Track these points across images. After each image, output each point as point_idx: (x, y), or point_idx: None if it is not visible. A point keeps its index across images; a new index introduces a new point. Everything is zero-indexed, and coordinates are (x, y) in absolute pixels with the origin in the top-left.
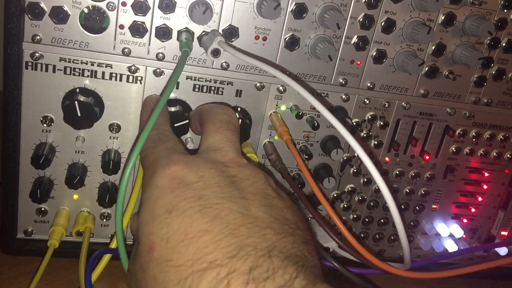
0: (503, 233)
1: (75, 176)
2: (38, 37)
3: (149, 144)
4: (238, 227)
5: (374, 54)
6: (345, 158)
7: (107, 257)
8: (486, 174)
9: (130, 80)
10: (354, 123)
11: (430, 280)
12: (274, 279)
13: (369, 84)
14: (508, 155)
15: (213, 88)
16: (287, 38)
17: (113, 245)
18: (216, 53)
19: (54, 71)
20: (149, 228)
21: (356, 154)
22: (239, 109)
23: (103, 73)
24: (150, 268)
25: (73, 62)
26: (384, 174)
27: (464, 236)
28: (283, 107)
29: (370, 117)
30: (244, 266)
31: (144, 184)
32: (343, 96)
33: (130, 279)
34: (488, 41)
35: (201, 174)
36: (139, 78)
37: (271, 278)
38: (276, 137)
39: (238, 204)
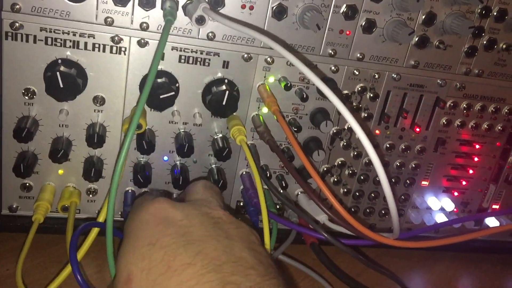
0: (494, 206)
1: (59, 150)
2: (18, 6)
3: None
4: (221, 264)
5: (363, 23)
6: (334, 131)
7: (95, 231)
8: (477, 147)
9: (114, 51)
10: (344, 95)
11: (418, 249)
12: None
13: (358, 55)
14: (499, 127)
15: (199, 59)
16: (275, 7)
17: (100, 219)
18: (201, 20)
19: (35, 41)
20: (128, 259)
21: (346, 127)
22: (226, 80)
23: (86, 43)
24: None
25: (54, 32)
26: (374, 147)
27: (455, 209)
28: (271, 79)
29: (359, 88)
30: None
31: (128, 220)
32: (332, 67)
33: None
34: (479, 10)
35: (186, 213)
36: (123, 49)
37: None
38: (263, 109)
39: (222, 243)
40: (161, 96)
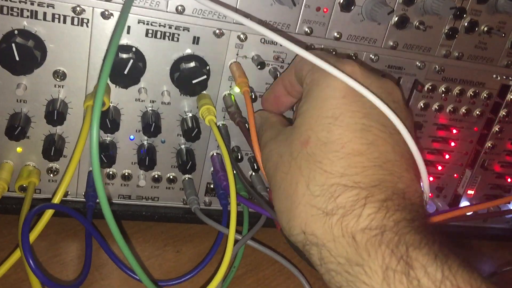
0: (469, 191)
1: (16, 127)
2: None
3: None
4: (386, 162)
5: (341, 1)
6: None
7: (49, 213)
8: (455, 131)
9: (75, 22)
10: None
11: None
12: (402, 212)
13: (335, 34)
14: (478, 112)
15: (167, 34)
16: None
17: (55, 200)
18: None
19: None
20: (310, 124)
21: None
22: (195, 57)
23: (45, 13)
24: (299, 158)
25: (10, 0)
26: None
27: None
28: (244, 57)
29: None
30: (381, 196)
31: (314, 77)
32: None
33: (271, 153)
34: None
35: (373, 89)
36: (85, 21)
37: (399, 211)
38: (235, 89)
39: (393, 137)
40: (193, 81)
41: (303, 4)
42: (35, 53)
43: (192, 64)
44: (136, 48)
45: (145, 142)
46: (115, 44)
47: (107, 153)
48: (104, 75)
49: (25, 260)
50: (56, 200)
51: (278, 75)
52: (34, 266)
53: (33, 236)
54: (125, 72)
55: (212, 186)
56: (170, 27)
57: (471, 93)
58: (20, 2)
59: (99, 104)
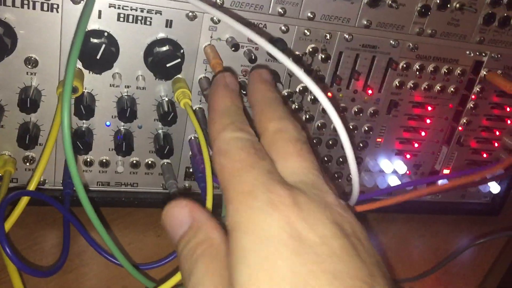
0: (446, 168)
1: None
2: None
3: (242, 154)
4: None
5: None
6: (285, 93)
7: (24, 200)
8: (430, 109)
9: (45, 8)
10: (295, 56)
11: (370, 211)
12: None
13: (309, 14)
14: (452, 89)
15: (140, 18)
16: None
17: (30, 187)
18: None
19: None
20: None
21: (297, 89)
22: (168, 40)
23: (13, 0)
24: None
25: None
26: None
27: (407, 172)
28: (218, 39)
29: (311, 49)
30: None
31: (237, 222)
32: (282, 27)
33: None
34: None
35: (321, 232)
36: (55, 6)
37: None
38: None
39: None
40: (167, 65)
41: None
42: (5, 40)
43: (166, 48)
44: (108, 33)
45: (122, 128)
46: (83, 26)
47: (83, 140)
48: (73, 59)
49: (0, 246)
50: (31, 187)
51: (253, 57)
52: (10, 252)
53: (9, 223)
54: (98, 57)
55: (191, 170)
56: (142, 11)
57: (445, 70)
58: None
59: (69, 89)
